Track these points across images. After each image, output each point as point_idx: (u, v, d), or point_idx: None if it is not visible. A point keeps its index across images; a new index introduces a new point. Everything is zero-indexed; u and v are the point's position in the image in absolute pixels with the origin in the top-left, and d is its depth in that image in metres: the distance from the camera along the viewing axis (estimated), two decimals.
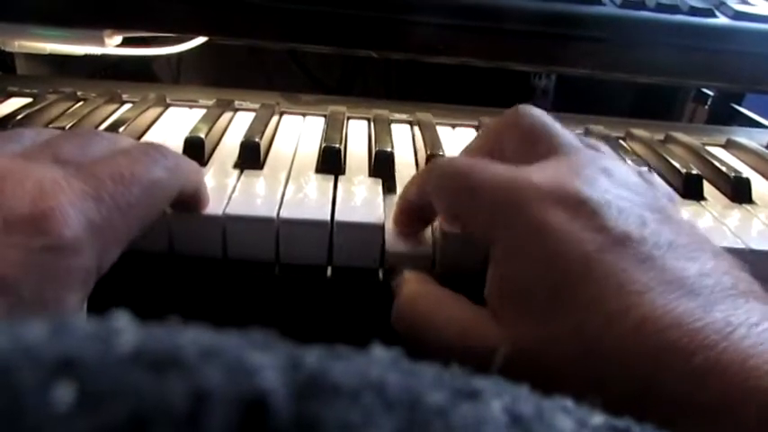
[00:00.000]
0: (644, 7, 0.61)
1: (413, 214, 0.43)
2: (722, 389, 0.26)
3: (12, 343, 0.12)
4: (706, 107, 0.86)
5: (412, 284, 0.39)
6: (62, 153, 0.35)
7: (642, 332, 0.29)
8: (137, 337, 0.13)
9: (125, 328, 0.13)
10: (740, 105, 0.84)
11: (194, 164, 0.41)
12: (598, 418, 0.17)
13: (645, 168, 0.42)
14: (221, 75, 0.85)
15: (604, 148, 0.41)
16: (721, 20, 0.63)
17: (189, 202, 0.41)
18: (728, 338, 0.27)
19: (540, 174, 0.36)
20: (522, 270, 0.33)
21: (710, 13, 0.63)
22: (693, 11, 0.62)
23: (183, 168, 0.38)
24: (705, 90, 0.87)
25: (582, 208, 0.33)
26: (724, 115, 0.84)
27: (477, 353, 0.33)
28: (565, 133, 0.40)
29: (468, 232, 0.38)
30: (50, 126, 0.52)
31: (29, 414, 0.11)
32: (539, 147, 0.39)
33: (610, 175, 0.36)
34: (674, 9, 0.62)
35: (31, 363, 0.12)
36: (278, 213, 0.42)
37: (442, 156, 0.52)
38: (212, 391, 0.12)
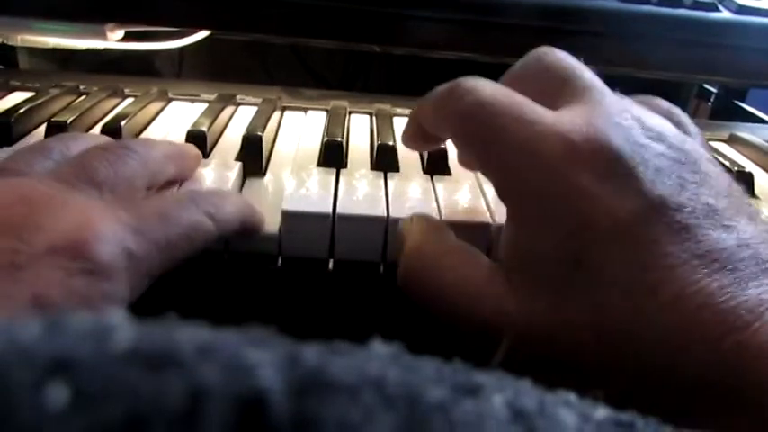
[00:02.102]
0: (646, 1, 0.61)
1: (425, 138, 0.42)
2: (753, 372, 0.25)
3: (6, 342, 0.12)
4: (709, 104, 0.86)
5: (420, 233, 0.38)
6: (97, 177, 0.36)
7: (672, 311, 0.27)
8: (132, 335, 0.13)
9: (120, 326, 0.13)
10: (743, 102, 0.84)
11: (237, 201, 0.40)
12: (602, 412, 0.17)
13: (676, 110, 0.38)
14: (223, 69, 0.85)
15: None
16: (724, 14, 0.62)
17: (239, 232, 0.40)
18: (762, 318, 0.26)
19: (569, 122, 0.32)
20: (545, 236, 0.31)
21: (713, 7, 0.62)
22: (696, 5, 0.62)
23: (225, 213, 0.38)
24: (708, 87, 0.87)
25: (615, 167, 0.30)
26: (727, 112, 0.83)
27: (488, 319, 0.32)
28: (592, 75, 0.36)
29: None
30: (53, 119, 0.52)
31: (23, 414, 0.11)
32: (565, 88, 0.35)
33: (645, 126, 0.33)
34: (676, 3, 0.61)
35: (26, 362, 0.12)
36: (280, 206, 0.42)
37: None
38: (210, 389, 0.12)
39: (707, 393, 0.26)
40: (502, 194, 0.34)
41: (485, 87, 0.35)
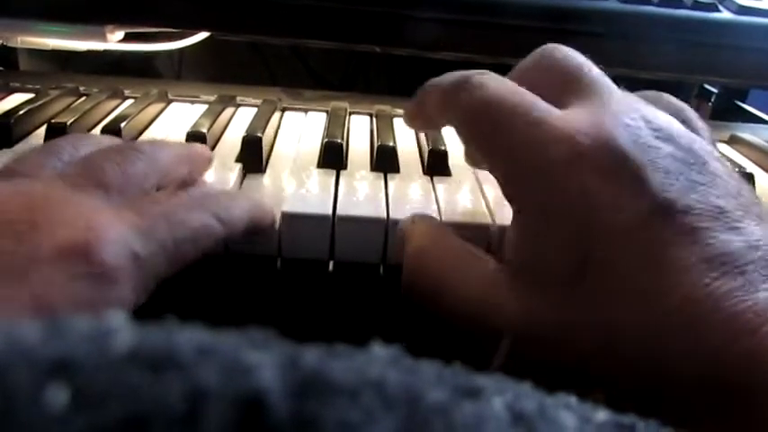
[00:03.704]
0: (647, 2, 0.61)
1: (427, 121, 0.42)
2: (764, 375, 0.25)
3: (7, 344, 0.12)
4: (709, 104, 0.86)
5: (423, 235, 0.38)
6: (105, 178, 0.36)
7: (681, 315, 0.27)
8: (132, 337, 0.13)
9: (120, 329, 0.13)
10: (744, 102, 0.83)
11: (246, 202, 0.40)
12: (602, 415, 0.17)
13: (684, 106, 0.38)
14: (223, 71, 0.85)
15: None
16: (725, 14, 0.62)
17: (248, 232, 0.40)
18: None
19: (576, 122, 0.32)
20: (550, 236, 0.31)
21: (714, 8, 0.62)
22: (697, 5, 0.62)
23: (234, 215, 0.38)
24: (709, 87, 0.86)
25: (622, 169, 0.30)
26: (727, 112, 0.83)
27: (490, 320, 0.31)
28: (599, 72, 0.36)
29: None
30: (53, 121, 0.52)
31: (23, 415, 0.11)
32: (573, 85, 0.35)
33: (653, 127, 0.32)
34: (677, 3, 0.61)
35: (26, 363, 0.12)
36: (280, 208, 0.42)
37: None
38: (209, 391, 0.12)
39: (716, 396, 0.26)
40: (507, 194, 0.34)
41: (493, 84, 0.34)
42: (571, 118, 0.32)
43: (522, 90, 0.34)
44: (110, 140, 0.44)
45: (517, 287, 0.32)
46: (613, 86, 0.35)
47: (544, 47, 0.38)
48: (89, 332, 0.13)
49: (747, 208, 0.30)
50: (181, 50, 0.69)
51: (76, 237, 0.30)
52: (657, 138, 0.32)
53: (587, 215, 0.30)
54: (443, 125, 0.41)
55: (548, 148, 0.31)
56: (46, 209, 0.32)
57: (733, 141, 0.67)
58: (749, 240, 0.29)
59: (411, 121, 0.44)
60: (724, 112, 0.84)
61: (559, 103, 0.34)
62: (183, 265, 0.35)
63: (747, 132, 0.67)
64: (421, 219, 0.39)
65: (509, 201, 0.34)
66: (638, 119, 0.32)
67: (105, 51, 0.66)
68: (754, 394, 0.25)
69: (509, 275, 0.33)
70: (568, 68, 0.36)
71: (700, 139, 0.34)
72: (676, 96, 0.39)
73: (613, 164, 0.30)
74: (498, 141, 0.33)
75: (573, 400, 0.17)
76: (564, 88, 0.35)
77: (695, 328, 0.27)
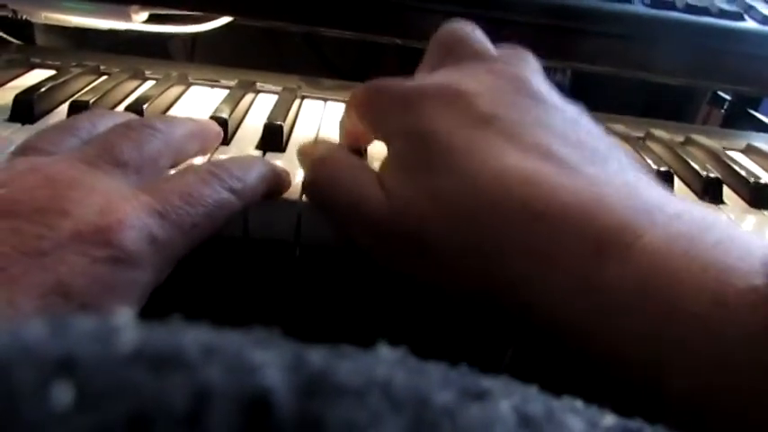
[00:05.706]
0: (673, 8, 0.61)
1: (352, 136, 0.47)
2: (551, 232, 0.30)
3: (11, 341, 0.12)
4: (722, 111, 0.85)
5: (326, 149, 0.42)
6: (122, 157, 0.36)
7: (493, 189, 0.32)
8: (137, 335, 0.13)
9: (125, 327, 0.13)
10: (757, 110, 0.83)
11: (260, 167, 0.41)
12: (609, 419, 0.17)
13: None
14: (235, 55, 0.85)
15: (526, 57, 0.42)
16: (750, 24, 0.62)
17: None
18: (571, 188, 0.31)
19: (430, 79, 0.39)
20: (403, 149, 0.37)
21: (739, 17, 0.62)
22: (722, 14, 0.61)
23: (248, 185, 0.38)
24: (722, 94, 0.86)
25: (457, 99, 0.36)
26: (739, 119, 0.82)
27: (371, 214, 0.36)
28: (478, 43, 0.42)
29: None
30: (76, 99, 0.52)
31: (27, 413, 0.11)
32: (450, 56, 0.42)
33: (496, 74, 0.39)
34: (703, 11, 0.61)
35: (31, 362, 0.12)
36: (300, 196, 0.42)
37: None
38: (214, 390, 0.12)
39: (526, 249, 0.31)
40: (382, 135, 0.41)
41: (376, 82, 0.41)
42: (426, 80, 0.40)
43: (400, 78, 0.41)
44: (126, 116, 0.44)
45: (387, 188, 0.36)
46: (490, 54, 0.41)
47: (443, 26, 0.45)
48: (94, 331, 0.13)
49: (575, 123, 0.37)
50: (194, 34, 0.69)
51: (97, 220, 0.31)
52: (495, 78, 0.38)
53: (429, 127, 0.36)
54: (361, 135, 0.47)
55: (406, 99, 0.38)
56: (66, 190, 0.32)
57: (749, 151, 0.66)
58: (570, 139, 0.35)
59: (344, 141, 0.48)
60: (736, 119, 0.83)
61: (438, 68, 0.41)
62: (201, 242, 0.36)
63: (763, 142, 0.67)
64: (323, 141, 0.45)
65: (384, 140, 0.40)
66: (482, 69, 0.39)
67: (122, 31, 0.66)
68: (541, 251, 0.31)
69: (380, 176, 0.38)
70: (450, 42, 0.43)
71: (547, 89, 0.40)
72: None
73: (452, 96, 0.37)
74: (378, 110, 0.40)
75: (580, 404, 0.17)
76: (442, 59, 0.42)
77: (504, 198, 0.32)
